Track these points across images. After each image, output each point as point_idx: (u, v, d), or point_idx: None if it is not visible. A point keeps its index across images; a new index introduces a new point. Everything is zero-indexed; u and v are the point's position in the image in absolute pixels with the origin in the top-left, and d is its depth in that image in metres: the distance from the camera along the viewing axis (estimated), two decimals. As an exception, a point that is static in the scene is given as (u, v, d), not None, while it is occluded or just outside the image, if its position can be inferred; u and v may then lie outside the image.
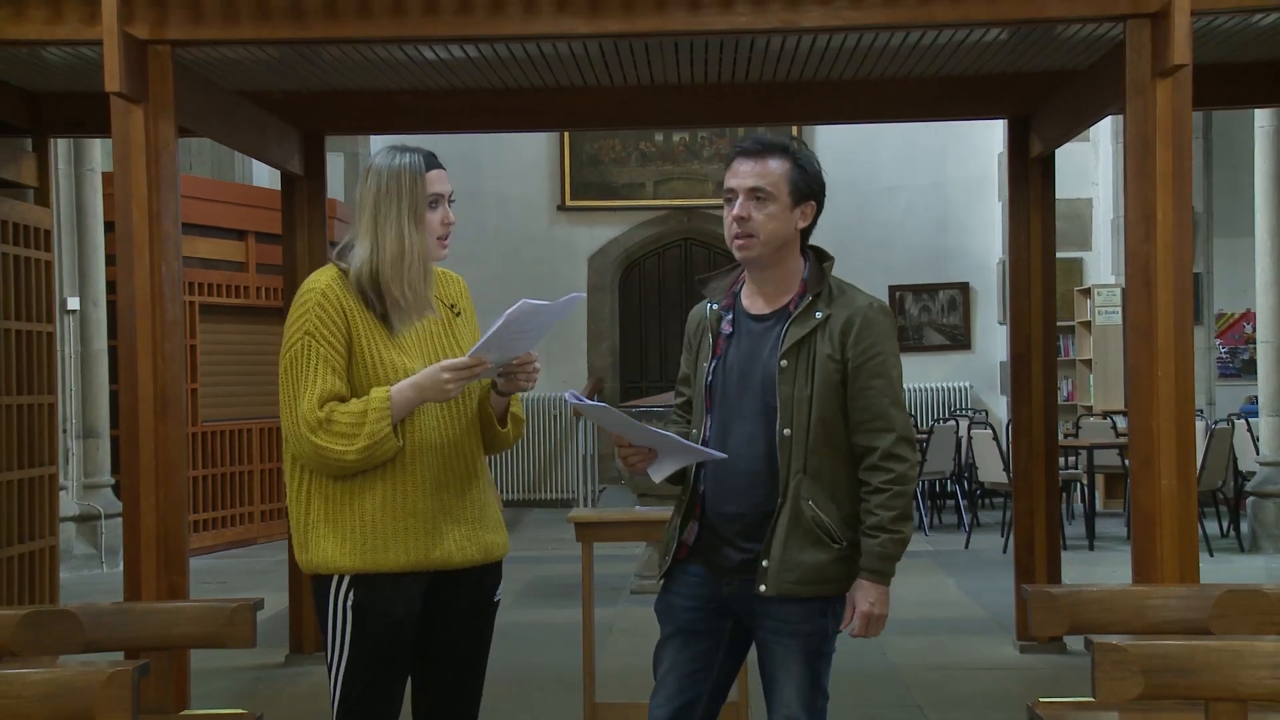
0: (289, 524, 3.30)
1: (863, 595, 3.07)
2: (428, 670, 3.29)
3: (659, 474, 3.18)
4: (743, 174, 3.12)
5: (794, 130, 14.05)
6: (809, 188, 3.14)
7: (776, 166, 3.11)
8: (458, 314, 3.32)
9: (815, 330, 3.10)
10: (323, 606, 3.18)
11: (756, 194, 3.10)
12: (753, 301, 3.22)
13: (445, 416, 3.21)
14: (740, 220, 3.11)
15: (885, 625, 3.12)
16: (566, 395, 3.18)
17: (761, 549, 3.08)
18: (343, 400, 3.10)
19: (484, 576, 3.29)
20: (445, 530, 3.18)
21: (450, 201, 3.25)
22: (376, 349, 3.14)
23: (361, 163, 13.70)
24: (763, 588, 3.07)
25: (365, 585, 3.13)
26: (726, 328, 3.22)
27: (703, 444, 3.17)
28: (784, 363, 3.09)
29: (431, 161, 3.23)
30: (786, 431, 3.07)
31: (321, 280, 3.18)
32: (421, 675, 3.29)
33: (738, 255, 3.16)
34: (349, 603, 3.14)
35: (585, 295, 3.29)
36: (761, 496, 3.10)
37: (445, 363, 3.11)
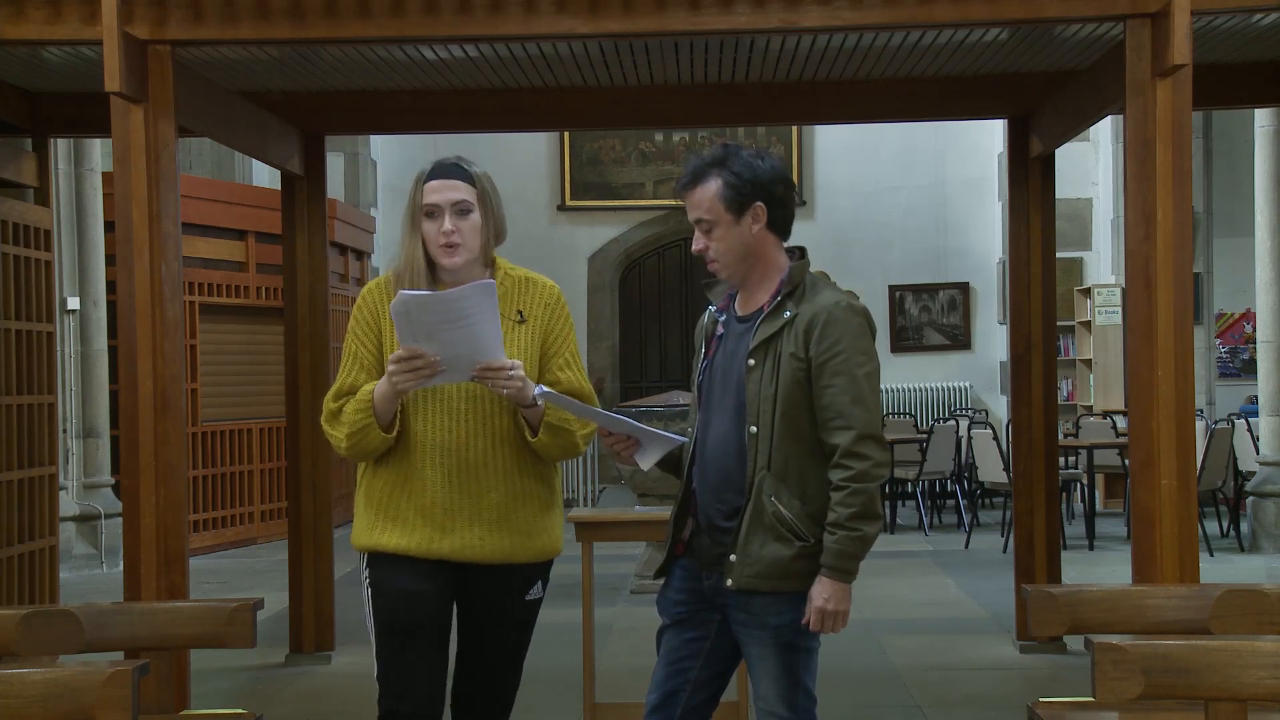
0: None
1: (819, 591, 3.10)
2: (463, 662, 3.48)
3: (645, 462, 3.34)
4: (688, 209, 3.23)
5: (794, 130, 14.13)
6: (748, 192, 3.17)
7: (707, 190, 3.18)
8: (521, 321, 3.39)
9: (783, 329, 3.15)
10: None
11: (701, 224, 3.21)
12: (741, 303, 3.30)
13: (461, 421, 3.32)
14: (701, 253, 3.24)
15: (846, 623, 3.13)
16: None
17: (730, 543, 3.16)
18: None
19: (505, 575, 3.40)
20: (454, 528, 3.31)
21: (463, 211, 3.31)
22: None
23: (361, 162, 13.71)
24: (729, 582, 3.16)
25: (376, 562, 3.37)
26: (720, 329, 3.31)
27: (692, 443, 3.28)
28: (751, 361, 3.16)
29: (436, 171, 3.34)
30: (753, 429, 3.14)
31: (370, 284, 3.44)
32: (459, 667, 3.49)
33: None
34: (368, 579, 3.40)
35: (495, 283, 3.27)
36: (735, 492, 3.18)
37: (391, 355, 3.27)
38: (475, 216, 3.32)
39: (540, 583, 3.50)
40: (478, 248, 3.33)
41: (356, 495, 3.46)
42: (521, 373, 3.23)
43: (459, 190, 3.30)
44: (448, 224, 3.29)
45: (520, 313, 3.39)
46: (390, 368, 3.20)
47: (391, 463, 3.34)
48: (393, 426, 3.28)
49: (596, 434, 3.43)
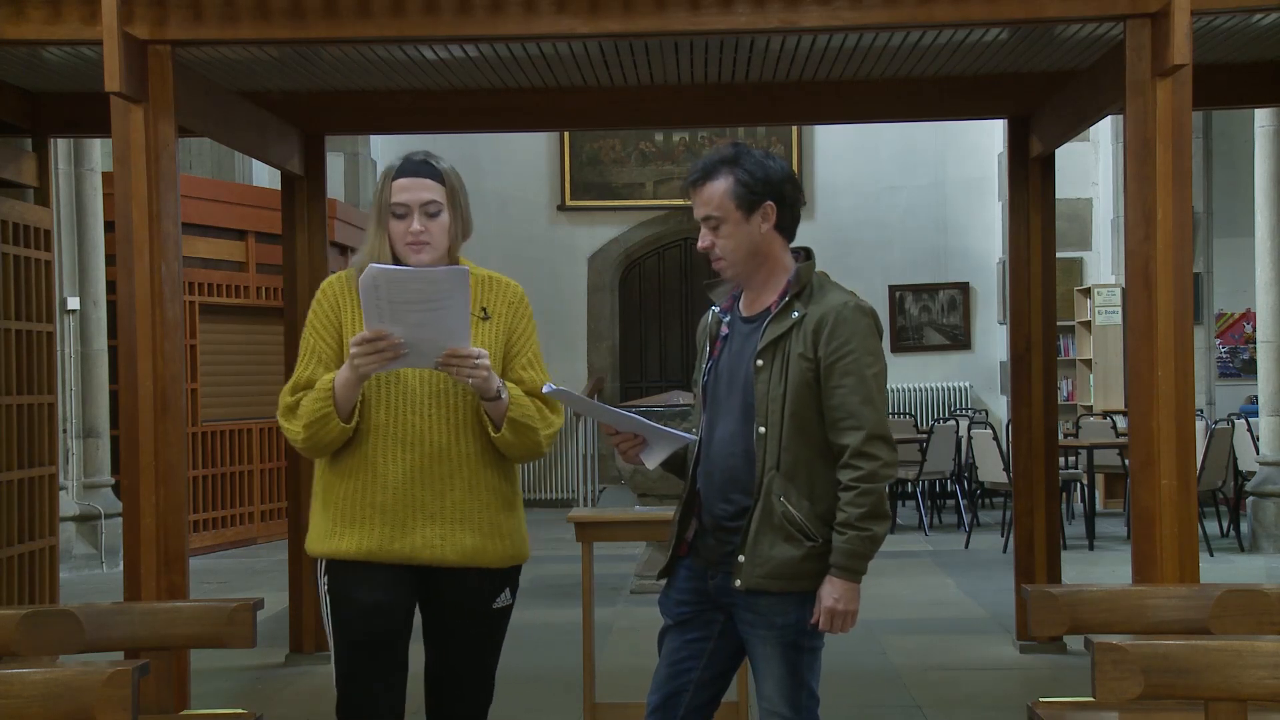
0: None
1: (828, 591, 3.11)
2: (431, 669, 3.41)
3: (651, 460, 3.32)
4: (696, 206, 3.22)
5: (794, 130, 14.13)
6: (759, 191, 3.17)
7: (717, 188, 3.18)
8: (486, 318, 3.35)
9: (791, 329, 3.15)
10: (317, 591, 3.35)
11: (709, 221, 3.20)
12: (746, 304, 3.30)
13: (424, 414, 3.26)
14: (706, 250, 3.22)
15: (855, 622, 3.14)
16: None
17: (738, 544, 3.16)
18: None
19: (471, 580, 3.32)
20: (414, 526, 3.24)
21: (432, 212, 3.26)
22: None
23: (361, 162, 13.71)
24: (738, 582, 3.16)
25: (334, 570, 3.28)
26: (724, 330, 3.31)
27: (697, 443, 3.28)
28: (759, 362, 3.17)
29: (405, 169, 3.29)
30: (761, 429, 3.14)
31: (331, 278, 3.37)
32: (427, 674, 3.42)
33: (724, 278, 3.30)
34: (325, 587, 3.29)
35: (469, 270, 3.25)
36: (742, 493, 3.18)
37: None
38: (444, 217, 3.28)
39: (509, 590, 3.40)
40: (445, 247, 3.29)
41: (313, 497, 3.36)
42: (487, 362, 3.18)
43: (429, 190, 3.26)
44: (416, 224, 3.25)
45: (484, 310, 3.35)
46: (352, 350, 3.12)
47: (349, 458, 3.25)
48: (352, 417, 3.21)
49: (600, 433, 3.43)
